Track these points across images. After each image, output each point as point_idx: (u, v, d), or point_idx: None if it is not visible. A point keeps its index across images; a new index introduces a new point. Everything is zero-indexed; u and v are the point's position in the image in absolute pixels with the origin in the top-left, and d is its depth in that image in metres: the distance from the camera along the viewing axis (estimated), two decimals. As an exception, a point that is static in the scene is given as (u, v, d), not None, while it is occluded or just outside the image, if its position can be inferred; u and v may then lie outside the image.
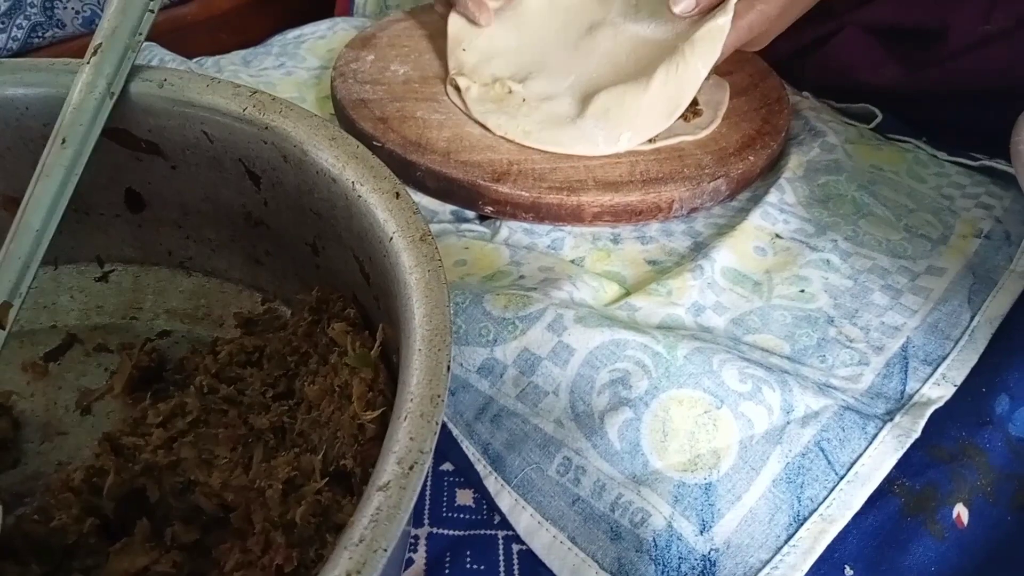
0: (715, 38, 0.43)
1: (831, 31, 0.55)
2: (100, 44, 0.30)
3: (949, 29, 0.50)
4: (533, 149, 0.45)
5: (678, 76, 0.44)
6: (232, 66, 0.55)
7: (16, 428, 0.31)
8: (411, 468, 0.20)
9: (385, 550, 0.18)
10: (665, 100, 0.44)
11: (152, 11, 0.32)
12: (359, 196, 0.27)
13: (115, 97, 0.30)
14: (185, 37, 0.60)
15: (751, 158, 0.46)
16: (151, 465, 0.28)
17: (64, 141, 0.30)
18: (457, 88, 0.49)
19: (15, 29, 0.56)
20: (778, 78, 0.54)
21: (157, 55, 0.53)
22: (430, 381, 0.22)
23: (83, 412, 0.32)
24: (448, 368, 0.22)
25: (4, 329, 0.28)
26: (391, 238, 0.26)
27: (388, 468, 0.20)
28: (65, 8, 0.58)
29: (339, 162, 0.28)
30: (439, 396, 0.21)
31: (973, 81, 0.49)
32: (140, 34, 0.31)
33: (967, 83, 0.49)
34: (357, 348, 0.28)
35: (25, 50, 0.57)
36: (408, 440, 0.20)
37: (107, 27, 0.31)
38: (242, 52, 0.58)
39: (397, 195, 0.27)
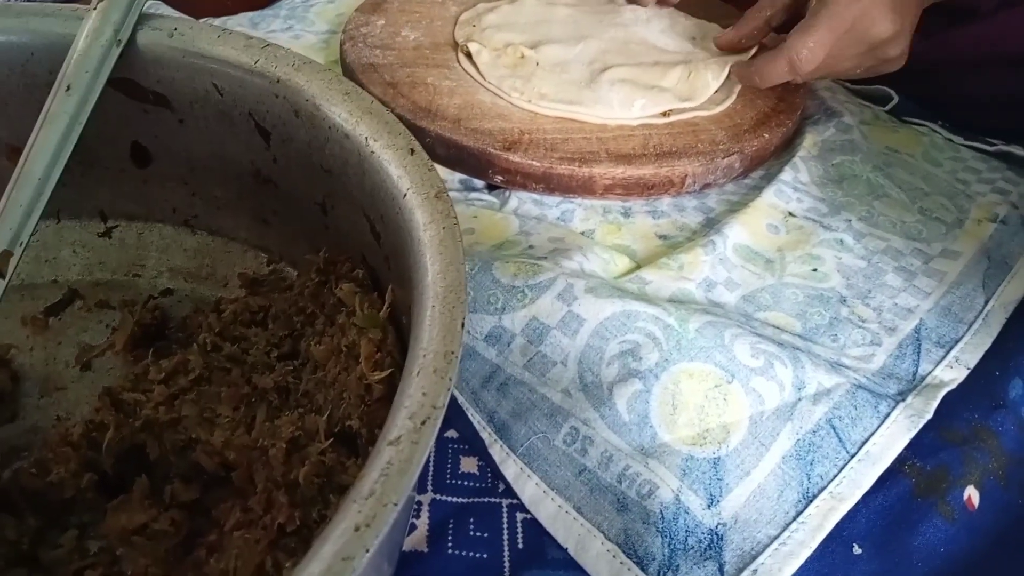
0: (726, 68, 0.47)
1: None
2: (107, -10, 0.30)
3: None
4: (545, 118, 0.44)
5: (690, 82, 0.47)
6: (239, 28, 0.54)
7: (15, 381, 0.31)
8: (423, 423, 0.19)
9: (395, 504, 0.18)
10: (678, 92, 0.47)
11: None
12: (372, 152, 0.26)
13: (122, 45, 0.29)
14: (192, 1, 0.59)
15: (766, 135, 0.45)
16: (152, 421, 0.27)
17: (69, 88, 0.29)
18: (468, 55, 0.48)
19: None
20: (794, 57, 0.53)
21: (163, 12, 0.52)
22: (444, 337, 0.21)
23: (83, 368, 0.32)
24: (463, 325, 0.21)
25: (4, 279, 0.28)
26: (405, 195, 0.25)
27: (399, 423, 0.19)
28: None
29: (352, 117, 0.27)
30: (453, 353, 0.21)
31: (997, 46, 0.48)
32: (149, -19, 0.30)
33: (991, 48, 0.48)
34: (365, 309, 0.27)
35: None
36: (420, 395, 0.20)
37: (114, -27, 0.30)
38: (249, 14, 0.57)
39: (412, 151, 0.26)
